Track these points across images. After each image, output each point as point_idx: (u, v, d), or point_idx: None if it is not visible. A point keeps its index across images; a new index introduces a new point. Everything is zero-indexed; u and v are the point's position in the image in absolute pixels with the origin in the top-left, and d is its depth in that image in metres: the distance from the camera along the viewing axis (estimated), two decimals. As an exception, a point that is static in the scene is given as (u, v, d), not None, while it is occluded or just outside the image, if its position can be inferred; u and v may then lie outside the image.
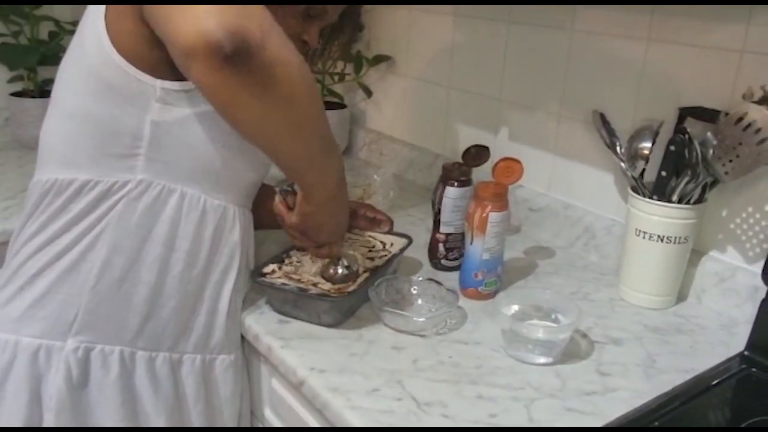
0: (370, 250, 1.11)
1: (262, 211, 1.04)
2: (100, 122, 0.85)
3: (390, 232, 1.17)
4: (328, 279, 0.99)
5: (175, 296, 0.91)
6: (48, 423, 0.88)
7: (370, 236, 1.15)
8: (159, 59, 0.81)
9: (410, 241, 1.14)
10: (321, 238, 0.97)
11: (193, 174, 0.89)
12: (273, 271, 1.01)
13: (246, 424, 1.07)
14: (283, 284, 0.98)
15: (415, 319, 0.95)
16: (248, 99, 0.74)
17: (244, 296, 1.02)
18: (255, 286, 1.02)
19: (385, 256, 1.09)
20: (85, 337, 0.88)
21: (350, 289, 0.98)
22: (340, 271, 1.00)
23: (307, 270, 1.03)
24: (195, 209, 0.90)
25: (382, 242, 1.14)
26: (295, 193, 0.93)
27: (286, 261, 1.05)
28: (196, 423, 0.96)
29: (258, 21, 0.72)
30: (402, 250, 1.11)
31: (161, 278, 0.90)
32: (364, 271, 1.03)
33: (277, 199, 0.97)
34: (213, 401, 0.98)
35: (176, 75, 0.81)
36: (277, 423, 1.02)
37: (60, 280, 0.88)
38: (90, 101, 0.85)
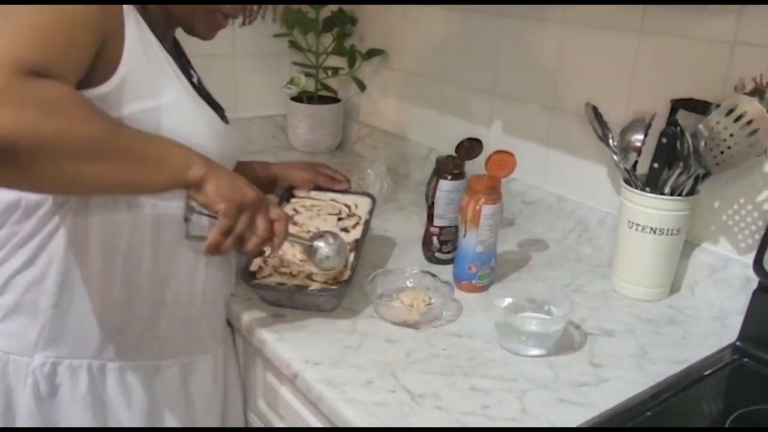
0: (339, 219, 1.10)
1: None
2: None
3: (348, 191, 1.17)
4: (319, 266, 0.95)
5: (143, 305, 0.89)
6: None
7: (332, 200, 1.15)
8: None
9: (374, 199, 1.14)
10: (253, 198, 0.82)
11: None
12: (260, 268, 1.00)
13: (238, 421, 1.07)
14: (279, 284, 0.97)
15: (410, 311, 0.95)
16: (18, 172, 0.67)
17: (228, 294, 1.01)
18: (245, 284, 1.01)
19: (357, 222, 1.09)
20: (52, 353, 0.87)
21: (346, 276, 0.98)
22: (325, 250, 0.93)
23: (291, 258, 1.01)
24: (149, 216, 0.87)
25: (346, 205, 1.13)
26: (194, 215, 0.84)
27: (267, 251, 1.01)
28: (178, 422, 0.96)
29: None
30: (370, 212, 1.11)
31: (126, 290, 0.88)
32: (348, 246, 1.02)
33: (189, 236, 0.85)
34: (194, 405, 0.98)
35: (88, 83, 0.77)
36: (271, 416, 1.02)
37: (21, 298, 0.85)
38: None
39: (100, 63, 0.76)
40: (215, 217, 0.80)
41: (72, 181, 0.71)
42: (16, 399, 0.87)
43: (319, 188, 1.18)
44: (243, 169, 1.11)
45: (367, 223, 1.10)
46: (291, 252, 1.03)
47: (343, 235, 1.04)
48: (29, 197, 0.83)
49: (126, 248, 0.86)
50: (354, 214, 1.11)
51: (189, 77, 0.91)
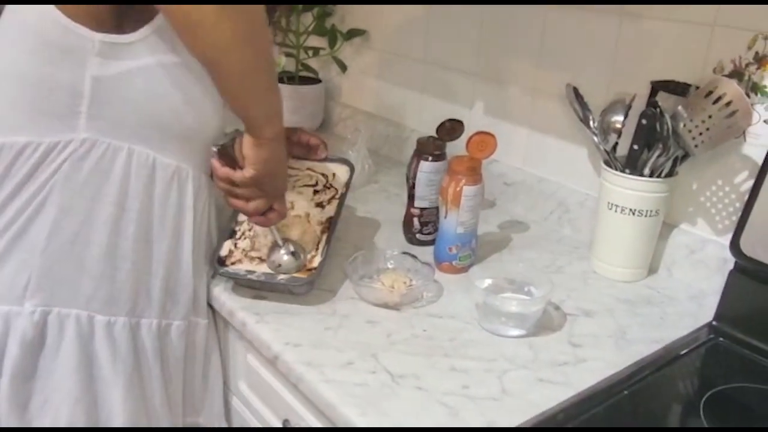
0: (315, 192, 1.07)
1: None
2: (37, 81, 0.83)
3: (327, 158, 1.10)
4: (274, 269, 0.97)
5: (130, 257, 0.89)
6: (2, 387, 0.86)
7: (309, 170, 1.09)
8: (101, 10, 0.79)
9: (352, 168, 1.09)
10: (278, 188, 0.93)
11: (139, 131, 0.87)
12: (230, 252, 1.00)
13: (218, 403, 1.07)
14: (248, 272, 0.96)
15: (391, 292, 0.95)
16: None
17: (209, 275, 1.01)
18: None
19: (333, 196, 1.06)
20: (40, 301, 0.86)
21: (316, 262, 0.98)
22: (285, 258, 0.97)
23: (262, 241, 1.00)
24: (144, 167, 0.88)
25: (323, 175, 1.08)
26: (228, 149, 0.88)
27: (238, 234, 1.02)
28: (156, 386, 0.95)
29: None
30: (347, 184, 1.07)
31: (113, 239, 0.88)
32: (321, 225, 1.02)
33: (214, 157, 0.90)
34: (169, 364, 0.97)
35: (119, 27, 0.79)
36: (253, 398, 1.02)
37: (10, 246, 0.86)
38: (25, 59, 0.83)
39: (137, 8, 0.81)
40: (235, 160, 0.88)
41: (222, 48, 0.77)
42: (3, 347, 0.86)
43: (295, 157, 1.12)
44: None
45: (342, 197, 1.06)
46: (261, 232, 1.01)
47: (317, 211, 1.03)
48: (22, 141, 0.84)
49: (116, 197, 0.87)
50: (331, 186, 1.07)
51: None
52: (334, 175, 1.09)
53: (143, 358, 0.94)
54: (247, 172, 0.88)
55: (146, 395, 0.95)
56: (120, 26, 0.80)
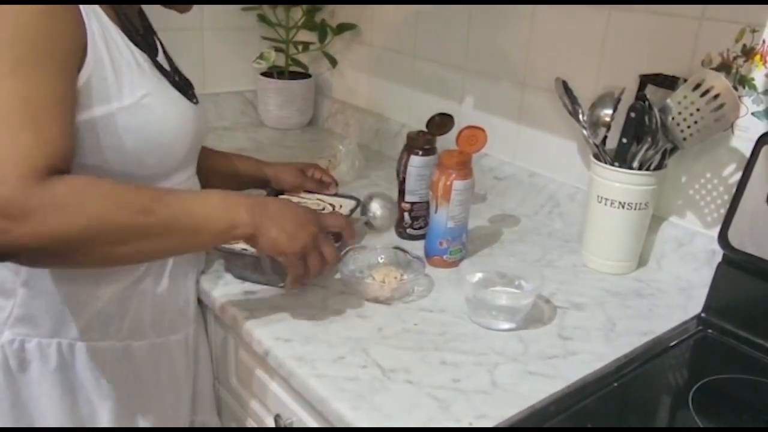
0: (323, 208, 1.13)
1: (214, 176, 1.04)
2: None
3: (337, 194, 1.20)
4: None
5: (111, 284, 0.88)
6: None
7: (318, 199, 1.17)
8: None
9: (358, 202, 1.16)
10: (307, 243, 0.83)
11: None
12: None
13: (208, 397, 1.07)
14: (243, 249, 0.97)
15: (381, 287, 0.95)
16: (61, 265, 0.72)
17: (198, 273, 1.01)
18: (215, 255, 1.01)
19: None
20: (21, 331, 0.86)
21: None
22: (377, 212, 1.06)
23: None
24: None
25: (331, 204, 1.15)
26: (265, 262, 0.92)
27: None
28: (155, 404, 0.95)
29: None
30: (352, 211, 1.13)
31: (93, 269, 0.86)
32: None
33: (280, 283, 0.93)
34: (164, 384, 0.97)
35: None
36: (244, 393, 1.02)
37: None
38: None
39: None
40: None
41: (116, 262, 0.75)
42: None
43: (307, 191, 1.20)
44: (238, 166, 1.16)
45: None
46: None
47: None
48: None
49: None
50: (337, 213, 1.13)
51: (155, 54, 0.89)
52: (340, 206, 1.15)
53: (134, 378, 0.93)
54: (283, 261, 0.82)
55: (141, 411, 0.95)
56: None
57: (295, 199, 1.16)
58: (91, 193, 0.69)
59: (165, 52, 0.95)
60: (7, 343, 0.85)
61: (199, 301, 1.02)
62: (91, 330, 0.88)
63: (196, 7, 0.96)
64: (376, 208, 1.16)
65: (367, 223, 1.16)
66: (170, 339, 0.96)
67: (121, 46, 0.81)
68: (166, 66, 0.91)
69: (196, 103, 0.94)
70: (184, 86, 0.93)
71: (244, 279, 0.99)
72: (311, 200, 1.16)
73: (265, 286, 0.98)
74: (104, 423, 0.91)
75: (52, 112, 0.69)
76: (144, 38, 0.88)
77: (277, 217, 0.80)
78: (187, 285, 0.97)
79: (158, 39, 0.95)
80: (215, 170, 1.09)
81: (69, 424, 0.89)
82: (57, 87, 0.70)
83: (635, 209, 1.04)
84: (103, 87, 0.77)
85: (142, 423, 0.95)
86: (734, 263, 0.95)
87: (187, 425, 1.03)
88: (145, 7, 0.95)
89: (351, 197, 1.18)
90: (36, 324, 0.86)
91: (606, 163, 1.05)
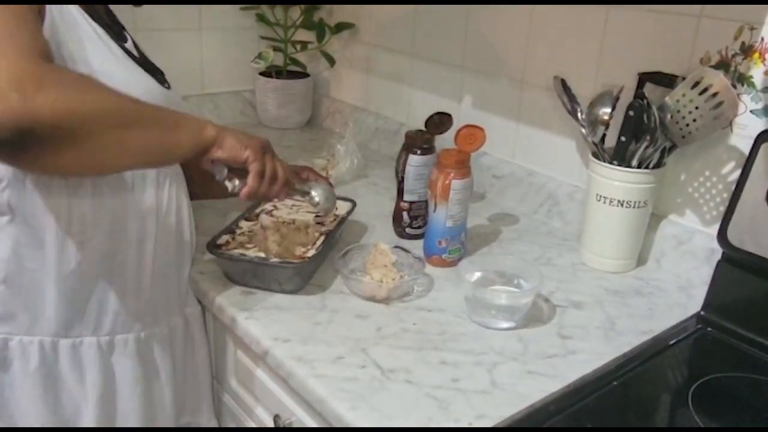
0: (317, 214, 1.11)
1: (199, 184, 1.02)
2: None
3: None
4: (313, 205, 0.97)
5: (92, 280, 0.88)
6: None
7: None
8: None
9: (354, 204, 1.16)
10: (263, 143, 0.87)
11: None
12: (227, 242, 1.01)
13: (206, 398, 1.07)
14: (241, 254, 0.97)
15: (380, 287, 0.95)
16: (58, 158, 0.70)
17: (184, 268, 1.00)
18: (214, 258, 1.01)
19: (333, 219, 1.11)
20: (3, 329, 0.85)
21: (310, 254, 0.98)
22: (319, 191, 0.96)
23: (260, 239, 1.02)
24: (89, 188, 0.85)
25: None
26: (227, 170, 0.87)
27: (238, 232, 1.05)
28: (138, 404, 0.95)
29: (9, 83, 0.64)
30: (348, 212, 1.13)
31: (74, 264, 0.86)
32: (320, 235, 1.04)
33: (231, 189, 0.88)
34: (151, 379, 0.97)
35: None
36: (243, 394, 1.02)
37: None
38: None
39: None
40: (243, 169, 0.85)
41: (115, 153, 0.74)
42: None
43: None
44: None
45: (342, 219, 1.10)
46: (260, 233, 1.03)
47: (318, 227, 1.07)
48: None
49: (77, 226, 0.85)
50: (334, 215, 1.12)
51: (122, 41, 0.89)
52: (336, 207, 1.13)
53: (119, 373, 0.93)
54: (247, 155, 0.84)
55: (125, 409, 0.94)
56: None
57: (290, 201, 1.15)
58: (92, 81, 0.73)
59: (136, 45, 0.94)
60: None
61: (199, 302, 1.02)
62: (74, 326, 0.88)
63: (194, 7, 0.96)
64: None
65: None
66: (154, 332, 0.96)
67: (79, 18, 0.82)
68: (135, 53, 0.91)
69: (168, 88, 0.94)
70: (153, 70, 0.93)
71: (243, 285, 0.99)
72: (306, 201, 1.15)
73: (264, 280, 0.98)
74: (88, 422, 0.90)
75: (30, 27, 0.72)
76: (110, 27, 0.88)
77: (234, 131, 0.86)
78: (169, 278, 0.97)
79: (129, 34, 0.95)
80: (204, 170, 1.07)
81: (51, 424, 0.89)
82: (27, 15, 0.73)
83: (634, 207, 1.03)
84: (59, 53, 0.78)
85: (127, 422, 0.95)
86: (734, 261, 0.94)
87: (173, 425, 1.02)
88: (143, 8, 0.94)
89: (347, 199, 1.17)
90: (17, 322, 0.86)
91: (605, 161, 1.04)
